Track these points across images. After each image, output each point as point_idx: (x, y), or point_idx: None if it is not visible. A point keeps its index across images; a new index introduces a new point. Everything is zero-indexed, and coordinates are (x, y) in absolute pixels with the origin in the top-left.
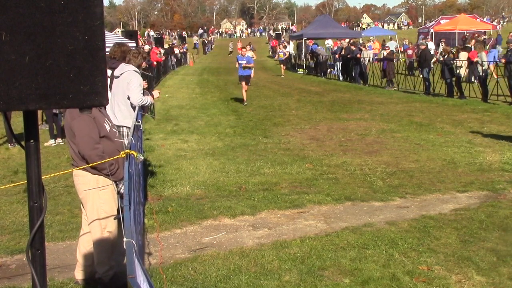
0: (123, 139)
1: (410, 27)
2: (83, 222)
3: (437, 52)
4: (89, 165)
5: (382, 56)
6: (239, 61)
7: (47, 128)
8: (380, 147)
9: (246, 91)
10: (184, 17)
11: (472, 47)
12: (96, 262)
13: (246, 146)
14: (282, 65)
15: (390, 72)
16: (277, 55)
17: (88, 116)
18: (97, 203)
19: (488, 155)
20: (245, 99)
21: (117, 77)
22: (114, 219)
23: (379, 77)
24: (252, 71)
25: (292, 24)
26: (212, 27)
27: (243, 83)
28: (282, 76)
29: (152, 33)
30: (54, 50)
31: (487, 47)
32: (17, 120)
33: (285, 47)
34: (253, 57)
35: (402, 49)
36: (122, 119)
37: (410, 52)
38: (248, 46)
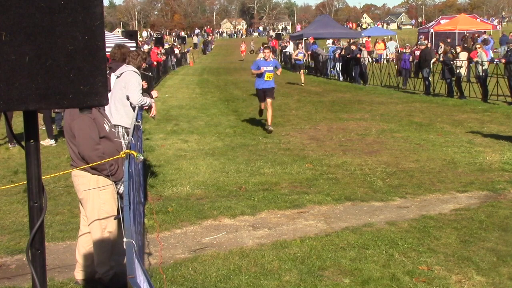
0: (120, 139)
1: (422, 26)
2: (81, 223)
3: (438, 54)
4: (89, 165)
5: (385, 56)
6: (263, 68)
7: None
8: (380, 147)
9: (271, 106)
10: (184, 17)
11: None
12: (97, 262)
13: (246, 146)
14: (302, 71)
15: (408, 73)
16: (293, 57)
17: (88, 117)
18: (98, 204)
19: (488, 155)
20: (269, 121)
21: (118, 77)
22: (114, 219)
23: (380, 77)
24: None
25: (292, 24)
26: (208, 27)
27: (268, 100)
28: (303, 84)
29: (149, 33)
30: (54, 50)
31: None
32: (17, 120)
33: (285, 47)
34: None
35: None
36: (118, 118)
37: (418, 52)
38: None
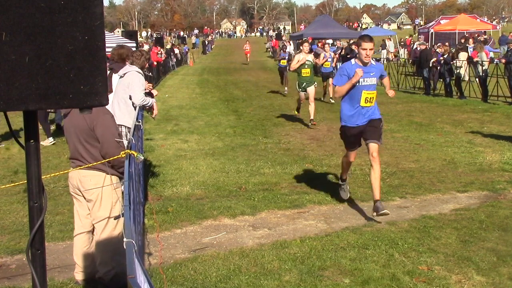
0: (121, 139)
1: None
2: (77, 223)
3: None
4: (93, 164)
5: (384, 56)
6: (359, 72)
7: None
8: (380, 147)
9: (377, 159)
10: (184, 17)
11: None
12: (99, 261)
13: (246, 146)
14: (331, 81)
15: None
16: (318, 61)
17: (110, 115)
18: (112, 202)
19: (488, 155)
20: (377, 194)
21: (121, 77)
22: (114, 219)
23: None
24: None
25: (292, 24)
26: (206, 27)
27: (372, 145)
28: (332, 101)
29: (149, 33)
30: (54, 50)
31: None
32: (17, 120)
33: (285, 47)
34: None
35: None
36: (122, 118)
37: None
38: (307, 45)
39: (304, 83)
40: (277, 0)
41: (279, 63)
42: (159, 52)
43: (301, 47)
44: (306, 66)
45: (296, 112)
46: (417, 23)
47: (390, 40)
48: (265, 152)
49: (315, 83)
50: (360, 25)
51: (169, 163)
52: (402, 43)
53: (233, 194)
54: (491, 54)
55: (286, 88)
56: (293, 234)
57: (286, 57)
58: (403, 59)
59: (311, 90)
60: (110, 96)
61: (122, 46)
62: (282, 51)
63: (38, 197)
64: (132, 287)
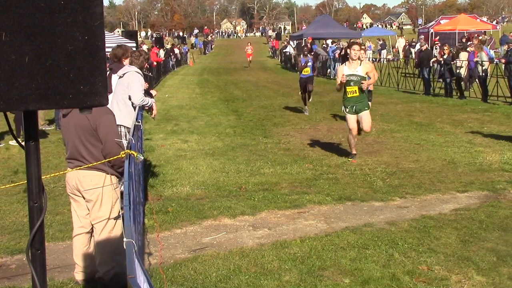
0: (121, 139)
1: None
2: (76, 224)
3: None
4: (94, 164)
5: (385, 56)
6: None
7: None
8: (380, 147)
9: None
10: (184, 17)
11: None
12: (99, 261)
13: (246, 146)
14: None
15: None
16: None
17: (112, 115)
18: (112, 202)
19: (488, 155)
20: None
21: (120, 77)
22: (115, 219)
23: (380, 77)
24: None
25: (292, 24)
26: (206, 27)
27: None
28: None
29: (146, 33)
30: (54, 50)
31: (488, 47)
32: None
33: (285, 46)
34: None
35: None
36: (121, 118)
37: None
38: (357, 48)
39: (353, 105)
40: (277, 0)
41: (300, 73)
42: (158, 52)
43: (348, 54)
44: (352, 83)
45: (352, 155)
46: (420, 22)
47: (402, 37)
48: (265, 152)
49: (369, 105)
50: (362, 25)
51: (169, 163)
52: (414, 44)
53: (233, 194)
54: (491, 53)
55: (306, 107)
56: (293, 234)
57: (311, 63)
58: (403, 59)
59: (366, 116)
60: (110, 97)
61: (120, 46)
62: (302, 55)
63: (38, 197)
64: (132, 287)
